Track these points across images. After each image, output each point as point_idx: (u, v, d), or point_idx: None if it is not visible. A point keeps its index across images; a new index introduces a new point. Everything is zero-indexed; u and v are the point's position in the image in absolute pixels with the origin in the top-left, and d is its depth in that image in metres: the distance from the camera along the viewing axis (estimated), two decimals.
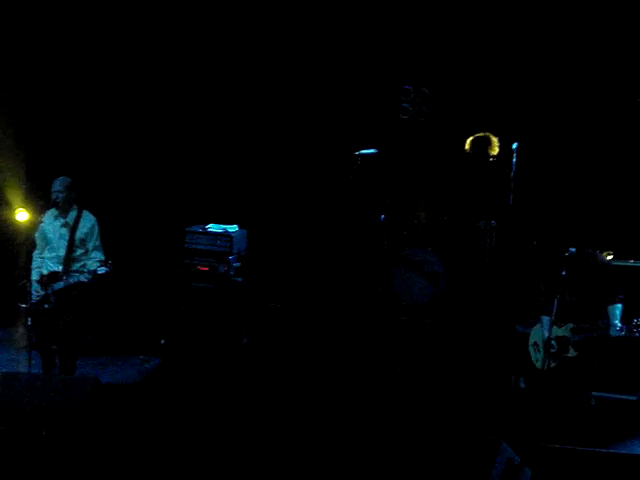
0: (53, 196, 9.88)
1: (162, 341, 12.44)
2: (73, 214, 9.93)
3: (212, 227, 13.03)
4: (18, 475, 7.93)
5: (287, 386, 10.98)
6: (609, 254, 12.22)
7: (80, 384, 8.69)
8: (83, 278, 9.74)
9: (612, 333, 8.54)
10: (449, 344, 10.95)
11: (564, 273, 8.68)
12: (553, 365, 8.77)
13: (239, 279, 12.71)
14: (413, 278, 12.24)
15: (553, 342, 8.72)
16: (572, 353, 8.68)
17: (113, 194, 13.06)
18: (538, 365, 8.95)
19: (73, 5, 13.28)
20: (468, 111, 13.15)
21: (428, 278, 12.20)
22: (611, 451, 7.48)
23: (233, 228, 12.87)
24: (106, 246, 10.10)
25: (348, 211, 13.67)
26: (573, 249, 9.31)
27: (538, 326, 8.99)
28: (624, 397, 10.53)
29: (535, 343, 9.00)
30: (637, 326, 8.44)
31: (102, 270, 9.70)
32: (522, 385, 9.96)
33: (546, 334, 8.78)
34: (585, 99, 12.69)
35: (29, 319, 9.66)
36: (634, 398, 10.41)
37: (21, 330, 9.96)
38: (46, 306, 9.75)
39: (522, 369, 9.45)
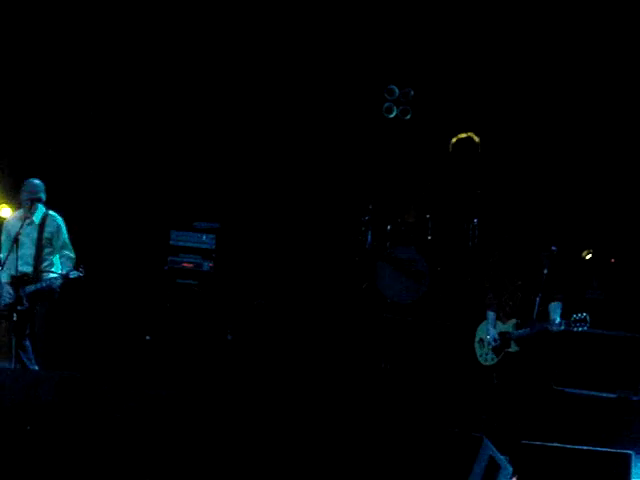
0: (26, 197, 9.93)
1: (147, 337, 12.47)
2: (39, 214, 9.98)
3: (197, 224, 13.07)
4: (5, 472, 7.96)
5: (271, 382, 11.03)
6: (589, 252, 12.34)
7: (48, 378, 8.62)
8: (54, 281, 9.78)
9: (552, 328, 8.63)
10: (432, 342, 11.02)
11: (546, 271, 8.74)
12: (496, 360, 8.87)
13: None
14: (397, 276, 12.31)
15: (497, 337, 8.82)
16: (514, 348, 8.78)
17: (98, 192, 13.05)
18: (481, 360, 9.05)
19: (63, 3, 13.23)
20: (453, 111, 13.22)
21: (412, 276, 12.27)
22: (593, 449, 7.57)
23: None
24: (91, 244, 10.13)
25: (333, 208, 13.73)
26: (554, 247, 9.36)
27: (484, 322, 9.08)
28: (603, 395, 10.62)
29: (481, 339, 9.10)
30: (576, 321, 8.53)
31: (74, 274, 9.73)
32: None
33: (490, 329, 8.87)
34: (568, 99, 12.78)
35: (2, 321, 9.73)
36: (614, 396, 10.50)
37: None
38: (19, 308, 9.77)
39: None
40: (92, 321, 12.17)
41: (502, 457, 7.52)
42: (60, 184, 10.09)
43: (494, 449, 7.68)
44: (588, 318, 8.53)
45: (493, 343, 8.86)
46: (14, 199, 10.87)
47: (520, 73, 12.88)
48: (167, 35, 13.70)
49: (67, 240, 10.05)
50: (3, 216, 12.26)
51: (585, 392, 10.69)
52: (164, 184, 13.80)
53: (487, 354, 8.98)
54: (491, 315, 8.98)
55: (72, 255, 9.99)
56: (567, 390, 10.75)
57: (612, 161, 12.68)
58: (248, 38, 13.66)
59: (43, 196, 10.00)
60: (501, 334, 8.86)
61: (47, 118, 13.23)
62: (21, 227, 9.88)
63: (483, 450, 7.51)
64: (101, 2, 13.38)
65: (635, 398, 10.52)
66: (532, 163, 12.80)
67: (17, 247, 9.85)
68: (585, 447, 7.54)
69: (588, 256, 12.20)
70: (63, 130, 13.31)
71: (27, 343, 9.87)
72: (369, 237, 12.77)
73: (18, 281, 9.83)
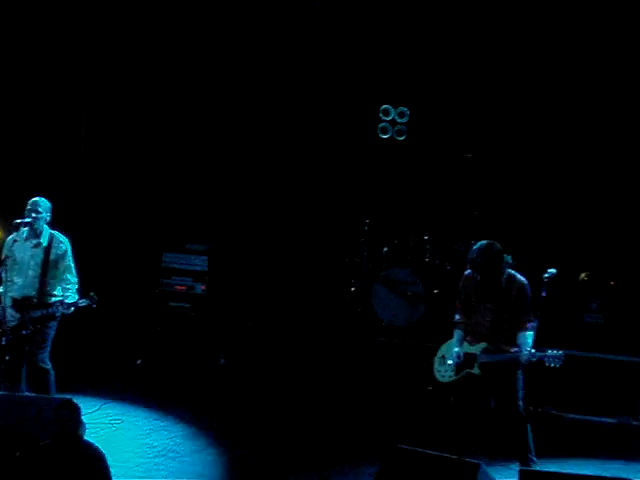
0: (28, 216, 9.66)
1: (138, 361, 12.34)
2: (46, 235, 9.74)
3: (189, 246, 12.97)
4: None
5: (265, 406, 10.90)
6: (587, 275, 12.23)
7: (52, 405, 8.48)
8: (62, 310, 9.58)
9: (522, 359, 8.48)
10: (427, 365, 10.86)
11: (544, 294, 8.62)
12: (454, 378, 8.75)
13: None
14: (393, 298, 12.20)
15: (460, 355, 8.69)
16: (476, 371, 8.66)
17: (90, 215, 12.95)
18: (438, 376, 8.92)
19: (63, 6, 13.13)
20: (447, 131, 13.15)
21: (408, 299, 12.16)
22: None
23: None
24: (83, 267, 9.93)
25: (328, 230, 13.65)
26: (553, 270, 9.23)
27: (449, 341, 8.95)
28: (603, 420, 10.50)
29: (442, 356, 8.97)
30: (550, 357, 8.38)
31: (83, 303, 9.55)
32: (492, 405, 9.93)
33: (455, 348, 8.75)
34: (563, 120, 12.73)
35: (3, 339, 9.49)
36: (614, 421, 10.39)
37: None
38: (24, 332, 9.57)
39: (489, 393, 9.39)
40: (83, 344, 12.03)
41: None
42: (51, 210, 9.84)
43: (491, 476, 7.57)
44: (563, 357, 8.37)
45: (456, 360, 8.71)
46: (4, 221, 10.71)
47: (517, 93, 12.82)
48: (158, 56, 13.65)
49: (72, 264, 9.81)
50: None
51: (584, 417, 10.56)
52: (156, 206, 13.72)
53: (446, 371, 8.83)
54: (457, 334, 8.84)
55: (74, 280, 9.74)
56: (566, 416, 10.62)
57: (611, 183, 12.60)
58: (243, 58, 13.61)
59: (49, 216, 9.77)
60: (466, 354, 8.72)
61: (38, 136, 13.14)
62: (25, 248, 9.68)
63: (480, 477, 7.40)
64: (102, 5, 13.30)
65: (635, 423, 10.39)
66: (529, 183, 12.73)
67: (18, 269, 9.67)
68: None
69: (585, 278, 12.08)
70: (54, 150, 13.21)
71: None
72: (365, 259, 12.66)
73: (22, 304, 9.63)
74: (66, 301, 9.58)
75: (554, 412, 10.63)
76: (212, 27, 13.56)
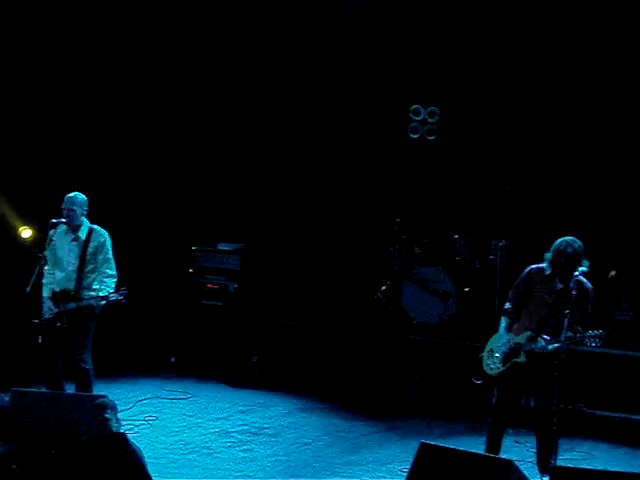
0: (65, 213, 9.80)
1: (172, 359, 12.45)
2: (84, 229, 9.86)
3: (222, 245, 13.05)
4: None
5: (296, 404, 10.98)
6: (614, 272, 12.21)
7: (89, 403, 8.60)
8: (93, 302, 9.67)
9: (562, 339, 8.54)
10: (459, 363, 10.92)
11: (574, 292, 8.63)
12: (502, 369, 8.80)
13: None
14: (423, 296, 12.23)
15: (508, 343, 8.73)
16: (522, 359, 8.70)
17: (122, 213, 13.03)
18: (487, 369, 8.96)
19: (68, 7, 13.18)
20: (478, 130, 13.16)
21: (438, 297, 12.20)
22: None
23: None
24: (116, 265, 10.02)
25: (359, 228, 13.69)
26: (584, 267, 9.24)
27: (496, 334, 8.98)
28: (634, 417, 10.50)
29: (491, 350, 9.01)
30: (591, 337, 8.43)
31: (113, 297, 9.64)
32: (532, 404, 9.95)
33: (503, 336, 8.79)
34: (590, 114, 12.70)
35: (39, 337, 9.62)
36: None
37: None
38: (59, 324, 9.69)
39: (531, 388, 9.43)
40: (117, 341, 12.15)
41: None
42: (87, 204, 9.95)
43: (522, 473, 7.60)
44: (604, 335, 8.44)
45: (503, 349, 8.76)
46: (35, 219, 10.80)
47: (548, 92, 12.79)
48: (183, 52, 13.71)
49: (110, 256, 9.89)
50: (25, 237, 12.30)
51: (615, 414, 10.57)
52: (188, 204, 13.80)
53: (494, 363, 8.88)
54: (505, 321, 8.88)
55: (112, 272, 9.82)
56: (597, 413, 10.64)
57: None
58: (272, 56, 13.66)
59: (85, 210, 9.90)
60: (513, 344, 8.77)
61: (70, 138, 13.22)
62: (64, 242, 9.83)
63: (511, 475, 7.44)
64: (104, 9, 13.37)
65: None
66: (562, 181, 12.71)
67: (59, 264, 9.82)
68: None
69: (613, 275, 12.07)
70: (86, 152, 13.30)
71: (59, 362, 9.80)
72: (396, 257, 12.70)
73: (60, 297, 9.77)
74: (100, 294, 9.72)
75: (585, 410, 10.65)
76: (246, 25, 13.62)
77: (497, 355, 8.85)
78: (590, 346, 8.50)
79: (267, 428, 10.24)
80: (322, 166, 13.88)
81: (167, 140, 13.86)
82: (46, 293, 9.81)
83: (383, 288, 12.59)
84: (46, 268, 9.81)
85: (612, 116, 12.61)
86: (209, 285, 12.96)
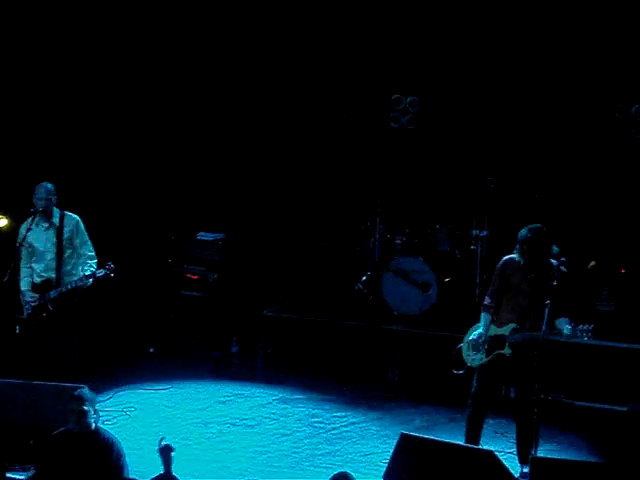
0: (37, 203, 9.76)
1: (151, 349, 12.40)
2: (56, 216, 9.85)
3: (201, 235, 13.01)
4: None
5: (275, 395, 10.96)
6: (594, 263, 12.25)
7: (65, 393, 8.52)
8: (80, 283, 9.64)
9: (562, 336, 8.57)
10: (440, 354, 10.90)
11: (554, 283, 8.63)
12: (485, 361, 8.80)
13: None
14: (404, 287, 12.21)
15: (484, 336, 8.74)
16: (507, 351, 8.70)
17: (101, 202, 12.97)
18: (468, 360, 8.96)
19: (64, 4, 13.13)
20: (459, 120, 13.14)
21: (419, 287, 12.17)
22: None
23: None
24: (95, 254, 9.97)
25: (339, 219, 13.68)
26: (564, 258, 9.24)
27: (476, 325, 8.98)
28: (614, 408, 10.52)
29: (470, 339, 9.03)
30: (582, 331, 8.46)
31: (101, 273, 9.60)
32: (512, 395, 9.95)
33: (480, 329, 8.79)
34: (574, 108, 12.71)
35: (17, 327, 9.58)
36: (624, 409, 10.40)
37: None
38: (44, 314, 9.64)
39: (511, 380, 9.43)
40: (96, 332, 12.08)
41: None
42: (56, 193, 9.89)
43: (503, 464, 7.61)
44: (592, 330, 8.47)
45: (476, 339, 8.76)
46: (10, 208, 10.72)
47: (529, 83, 12.78)
48: (171, 44, 13.66)
49: (86, 237, 9.91)
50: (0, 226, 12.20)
51: (595, 405, 10.58)
52: (168, 195, 13.76)
53: (476, 354, 8.87)
54: (485, 317, 8.88)
55: (92, 253, 9.85)
56: (577, 403, 10.65)
57: (620, 171, 12.58)
58: (252, 48, 13.62)
59: (55, 198, 9.85)
60: (496, 337, 8.76)
61: (49, 128, 13.14)
62: (38, 232, 9.76)
63: (492, 465, 7.44)
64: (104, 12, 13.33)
65: None
66: (540, 172, 12.72)
67: (36, 256, 9.74)
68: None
69: (593, 265, 12.10)
70: (66, 141, 13.23)
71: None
72: (376, 248, 12.68)
73: (41, 288, 9.71)
74: (85, 273, 9.65)
75: (564, 400, 10.66)
76: (228, 21, 13.59)
77: (469, 339, 8.85)
78: (582, 340, 8.53)
79: (247, 419, 10.21)
80: (302, 156, 13.85)
81: (147, 130, 13.81)
82: (24, 287, 9.75)
83: (364, 278, 12.57)
84: (22, 262, 9.76)
85: (592, 108, 12.63)
86: (189, 275, 12.92)
